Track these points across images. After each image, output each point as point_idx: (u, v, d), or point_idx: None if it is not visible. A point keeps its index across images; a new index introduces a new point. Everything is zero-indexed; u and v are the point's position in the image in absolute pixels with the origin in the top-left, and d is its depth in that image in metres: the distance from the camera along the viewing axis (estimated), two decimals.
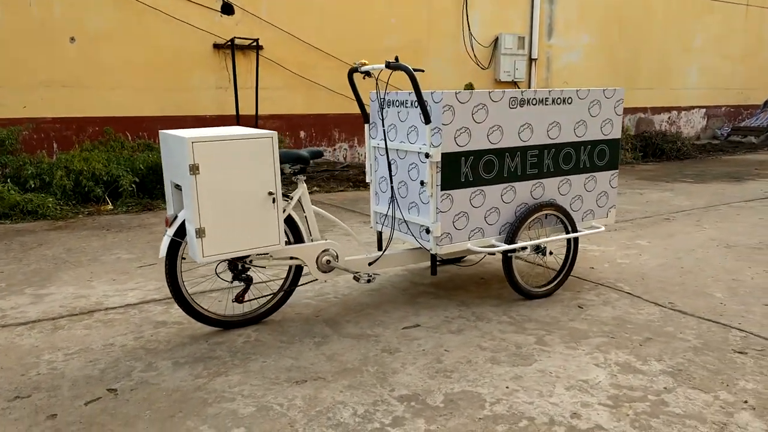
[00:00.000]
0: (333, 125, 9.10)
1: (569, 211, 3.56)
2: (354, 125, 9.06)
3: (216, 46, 8.13)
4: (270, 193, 2.78)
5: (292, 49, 8.50)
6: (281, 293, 3.19)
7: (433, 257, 3.34)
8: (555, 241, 3.52)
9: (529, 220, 3.39)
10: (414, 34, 9.30)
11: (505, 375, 2.57)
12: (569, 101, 3.48)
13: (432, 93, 3.09)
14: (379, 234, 3.65)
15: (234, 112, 8.27)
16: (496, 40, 10.21)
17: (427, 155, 3.09)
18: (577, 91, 3.50)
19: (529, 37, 10.56)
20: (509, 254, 3.35)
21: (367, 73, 3.26)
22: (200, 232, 2.65)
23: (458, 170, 3.16)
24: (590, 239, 4.83)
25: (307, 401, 2.36)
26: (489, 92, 3.18)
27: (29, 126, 7.03)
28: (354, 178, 8.03)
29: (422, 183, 3.21)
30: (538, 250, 3.50)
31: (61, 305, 3.44)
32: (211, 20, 8.09)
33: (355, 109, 8.50)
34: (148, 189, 6.82)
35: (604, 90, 3.61)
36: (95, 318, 3.24)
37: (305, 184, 3.13)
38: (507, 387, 2.47)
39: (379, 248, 3.58)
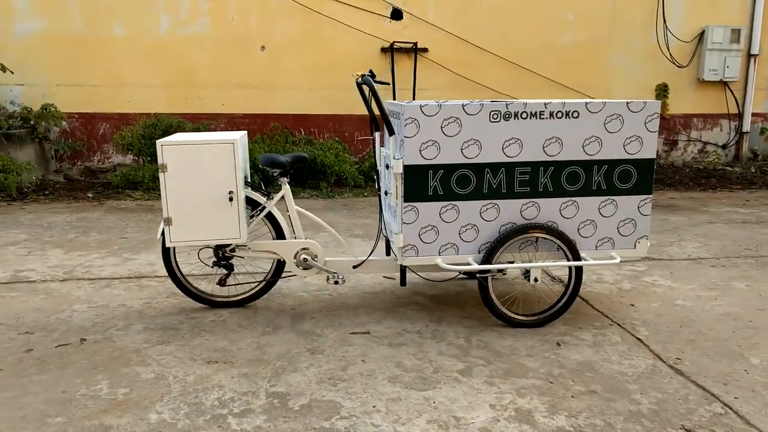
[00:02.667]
0: None
1: (569, 235, 3.21)
2: None
3: (383, 50, 8.66)
4: (230, 193, 3.12)
5: (456, 50, 8.63)
6: (264, 283, 3.51)
7: (402, 267, 3.34)
8: (544, 267, 3.21)
9: (510, 242, 3.17)
10: (594, 28, 8.66)
11: (387, 395, 2.54)
12: (574, 115, 3.13)
13: (402, 104, 3.08)
14: (387, 240, 3.72)
15: None
16: (702, 33, 8.94)
17: (387, 166, 3.11)
18: (586, 103, 3.13)
19: (748, 29, 9.02)
20: (483, 276, 3.18)
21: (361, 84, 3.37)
22: (168, 221, 3.11)
23: (425, 183, 3.10)
24: (671, 273, 4.18)
25: (197, 379, 2.66)
26: (463, 104, 3.06)
27: (218, 121, 8.41)
28: None
29: (386, 193, 3.23)
30: (526, 274, 3.25)
31: (130, 269, 4.24)
32: (381, 26, 8.65)
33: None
34: (299, 179, 7.65)
35: (628, 102, 3.16)
36: (139, 283, 3.95)
37: (288, 186, 3.39)
38: (374, 406, 2.45)
39: (387, 254, 3.67)
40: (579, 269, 3.26)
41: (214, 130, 8.20)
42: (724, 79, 9.04)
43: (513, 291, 3.60)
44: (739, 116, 9.30)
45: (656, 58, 8.89)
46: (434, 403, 2.48)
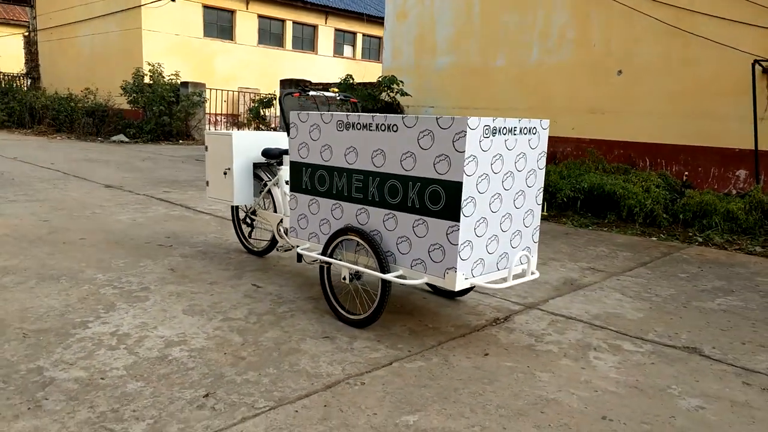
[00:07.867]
0: None
1: (380, 245, 3.25)
2: None
3: (766, 71, 7.25)
4: (227, 169, 4.54)
5: None
6: (269, 242, 4.75)
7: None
8: (363, 271, 3.36)
9: (338, 240, 3.47)
10: None
11: (168, 308, 3.59)
12: (394, 128, 3.19)
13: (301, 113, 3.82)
14: None
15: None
16: None
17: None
18: (403, 117, 3.14)
19: None
20: (322, 265, 3.61)
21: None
22: (207, 183, 4.79)
23: (301, 177, 3.77)
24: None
25: (157, 279, 4.30)
26: (321, 114, 3.58)
27: (565, 145, 8.94)
28: None
29: (286, 182, 3.97)
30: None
31: None
32: (764, 40, 7.27)
33: None
34: (591, 207, 7.37)
35: (437, 118, 3.00)
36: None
37: (281, 171, 4.49)
38: (160, 311, 3.58)
39: None
40: (386, 281, 3.25)
41: (563, 153, 8.88)
42: None
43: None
44: None
45: None
46: (173, 320, 3.42)
